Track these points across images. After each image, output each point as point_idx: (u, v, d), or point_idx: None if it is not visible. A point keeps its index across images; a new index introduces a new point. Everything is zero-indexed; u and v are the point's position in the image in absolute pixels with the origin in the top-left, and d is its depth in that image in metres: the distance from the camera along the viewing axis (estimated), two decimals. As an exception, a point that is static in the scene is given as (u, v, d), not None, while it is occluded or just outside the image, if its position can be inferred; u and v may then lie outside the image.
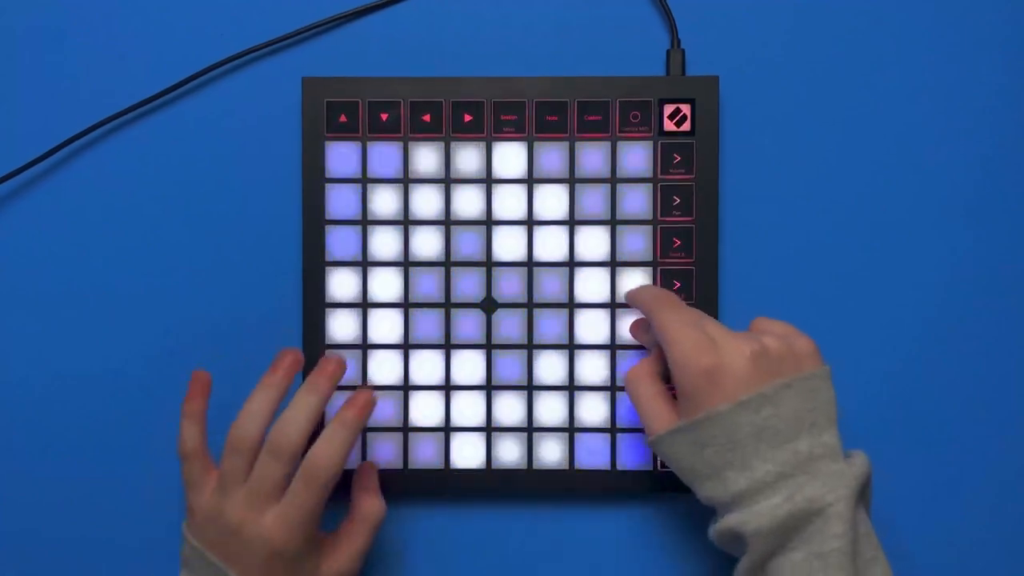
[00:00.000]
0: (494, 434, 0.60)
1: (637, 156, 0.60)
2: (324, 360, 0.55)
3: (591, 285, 0.60)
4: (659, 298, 0.56)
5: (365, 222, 0.60)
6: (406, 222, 0.60)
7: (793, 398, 0.51)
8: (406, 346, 0.60)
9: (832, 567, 0.48)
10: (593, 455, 0.60)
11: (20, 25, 0.61)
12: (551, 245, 0.60)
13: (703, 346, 0.51)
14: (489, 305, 0.60)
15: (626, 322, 0.60)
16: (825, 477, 0.50)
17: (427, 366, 0.60)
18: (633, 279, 0.60)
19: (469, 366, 0.60)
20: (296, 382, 0.58)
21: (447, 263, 0.60)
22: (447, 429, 0.60)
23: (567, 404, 0.60)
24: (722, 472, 0.51)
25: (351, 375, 0.60)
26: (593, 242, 0.60)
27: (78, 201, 0.61)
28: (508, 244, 0.60)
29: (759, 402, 0.50)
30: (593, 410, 0.60)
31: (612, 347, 0.60)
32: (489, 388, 0.60)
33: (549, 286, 0.60)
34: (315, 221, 0.60)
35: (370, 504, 0.56)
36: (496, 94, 0.60)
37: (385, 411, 0.60)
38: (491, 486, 0.60)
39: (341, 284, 0.60)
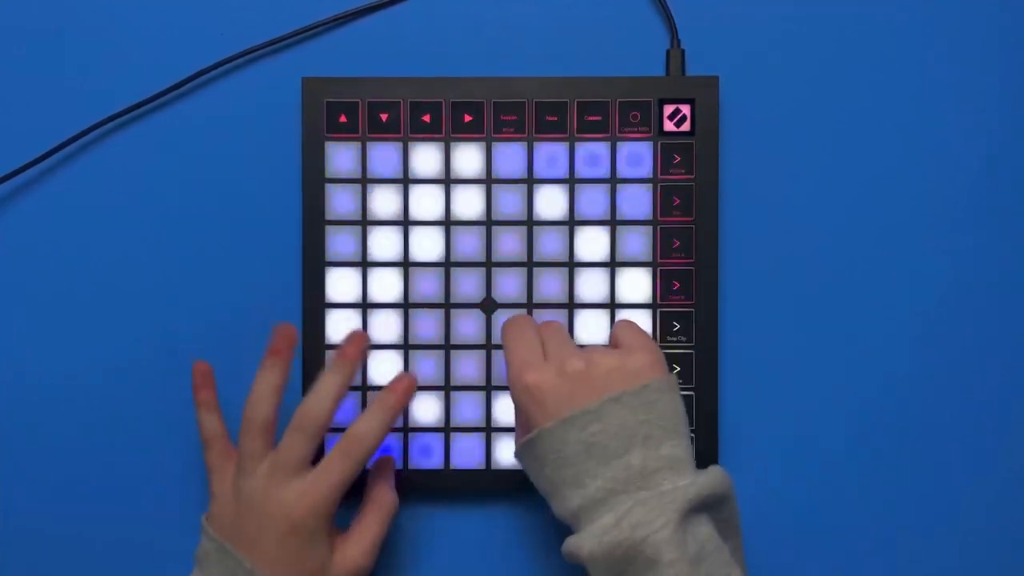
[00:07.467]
0: (494, 434, 0.60)
1: (637, 156, 0.60)
2: (349, 340, 0.56)
3: (591, 285, 0.60)
4: (517, 320, 0.56)
5: (365, 222, 0.60)
6: (406, 222, 0.60)
7: (622, 412, 0.49)
8: (406, 346, 0.60)
9: None
10: (593, 455, 0.60)
11: (20, 25, 0.61)
12: (551, 245, 0.60)
13: (529, 365, 0.52)
14: (489, 305, 0.60)
15: (626, 322, 0.60)
16: (656, 498, 0.48)
17: (427, 366, 0.60)
18: (633, 279, 0.60)
19: (469, 366, 0.60)
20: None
21: (447, 263, 0.60)
22: (447, 429, 0.60)
23: (567, 404, 0.60)
24: (560, 490, 0.50)
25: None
26: (593, 242, 0.60)
27: (78, 201, 0.61)
28: (508, 244, 0.60)
29: (584, 419, 0.49)
30: (593, 410, 0.60)
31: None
32: (488, 388, 0.60)
33: (549, 286, 0.60)
34: (315, 221, 0.60)
35: (385, 495, 0.57)
36: (496, 94, 0.60)
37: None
38: (491, 486, 0.60)
39: (341, 284, 0.60)
